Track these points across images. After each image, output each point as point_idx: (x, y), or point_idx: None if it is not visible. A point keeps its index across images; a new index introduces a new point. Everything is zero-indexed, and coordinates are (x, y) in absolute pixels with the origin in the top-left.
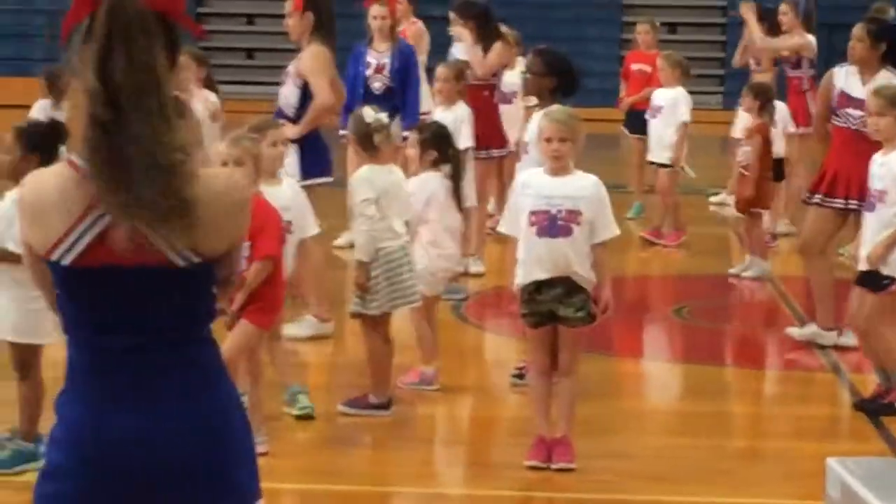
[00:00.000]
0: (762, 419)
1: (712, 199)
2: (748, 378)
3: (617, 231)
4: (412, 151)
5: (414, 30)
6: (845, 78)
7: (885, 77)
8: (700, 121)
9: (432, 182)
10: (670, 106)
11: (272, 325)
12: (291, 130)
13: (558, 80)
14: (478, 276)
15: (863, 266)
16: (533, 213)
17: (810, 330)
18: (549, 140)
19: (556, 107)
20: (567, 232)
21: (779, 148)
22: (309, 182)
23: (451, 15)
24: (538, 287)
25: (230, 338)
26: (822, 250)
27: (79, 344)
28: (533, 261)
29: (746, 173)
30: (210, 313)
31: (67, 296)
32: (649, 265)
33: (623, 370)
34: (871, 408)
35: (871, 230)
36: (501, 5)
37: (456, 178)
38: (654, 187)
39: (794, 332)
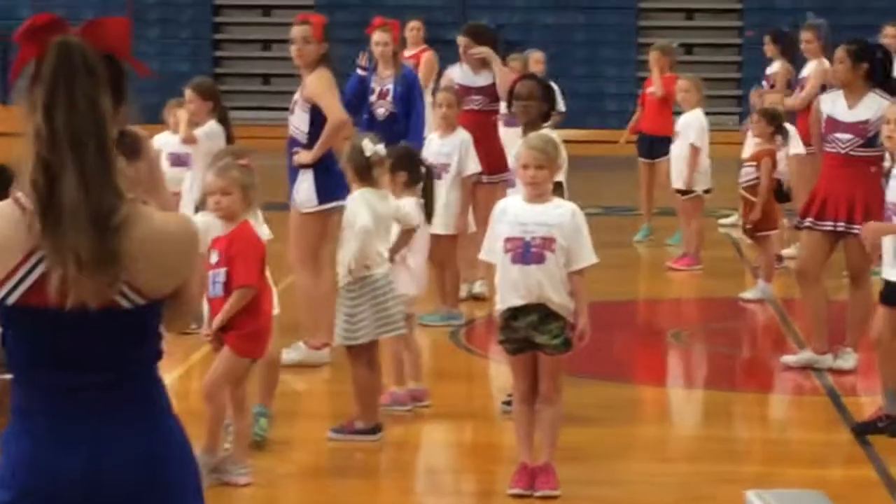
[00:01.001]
0: (753, 443)
1: (722, 220)
2: (740, 402)
3: (594, 259)
4: (386, 178)
5: (428, 56)
6: (832, 103)
7: (873, 100)
8: (717, 142)
9: (417, 209)
10: (684, 129)
11: (259, 355)
12: (307, 156)
13: (550, 105)
14: (481, 298)
15: (887, 275)
16: (508, 239)
17: (806, 356)
18: (525, 167)
19: (534, 133)
20: (540, 259)
21: (783, 170)
22: (326, 206)
23: (463, 39)
24: (514, 314)
25: (213, 366)
26: (817, 275)
27: (24, 381)
28: (508, 287)
29: (751, 197)
30: (155, 353)
31: (12, 334)
32: (654, 288)
33: (613, 395)
34: (862, 430)
35: (887, 241)
36: (517, 28)
37: (428, 196)
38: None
39: (790, 359)
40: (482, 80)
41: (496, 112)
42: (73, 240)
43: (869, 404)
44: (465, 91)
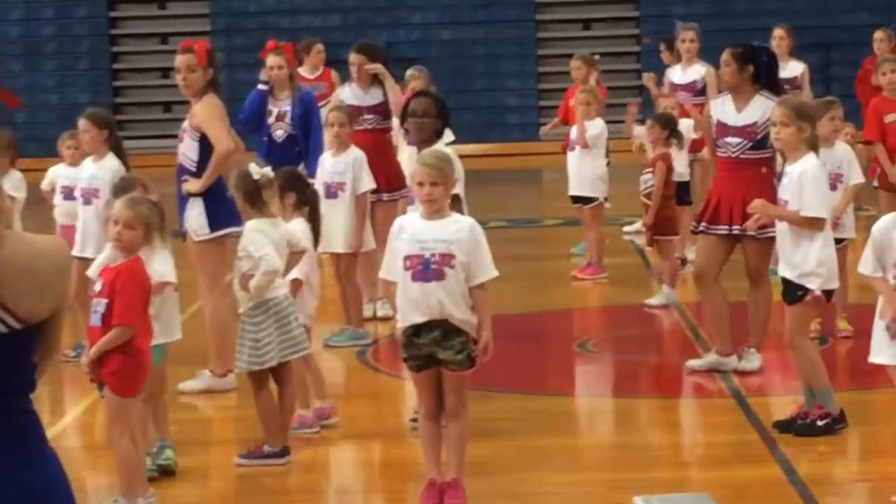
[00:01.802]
0: (660, 448)
1: (627, 228)
2: (648, 408)
3: (494, 273)
4: (275, 201)
5: (334, 75)
6: (721, 107)
7: (760, 102)
8: (617, 150)
9: (305, 229)
10: (593, 139)
11: (134, 393)
12: (195, 185)
13: (444, 122)
14: (386, 319)
15: (783, 273)
16: (407, 257)
17: (710, 359)
18: (420, 184)
19: (427, 150)
20: (440, 276)
21: (681, 172)
22: (218, 233)
23: (357, 57)
24: (417, 331)
25: (110, 431)
26: (716, 278)
27: None
28: (409, 305)
29: (649, 202)
30: (29, 384)
31: None
32: (560, 299)
33: (521, 407)
34: (793, 429)
35: (779, 239)
36: (415, 44)
37: (314, 219)
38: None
39: (695, 363)
40: (372, 98)
41: (389, 129)
42: None
43: (775, 404)
44: (356, 111)
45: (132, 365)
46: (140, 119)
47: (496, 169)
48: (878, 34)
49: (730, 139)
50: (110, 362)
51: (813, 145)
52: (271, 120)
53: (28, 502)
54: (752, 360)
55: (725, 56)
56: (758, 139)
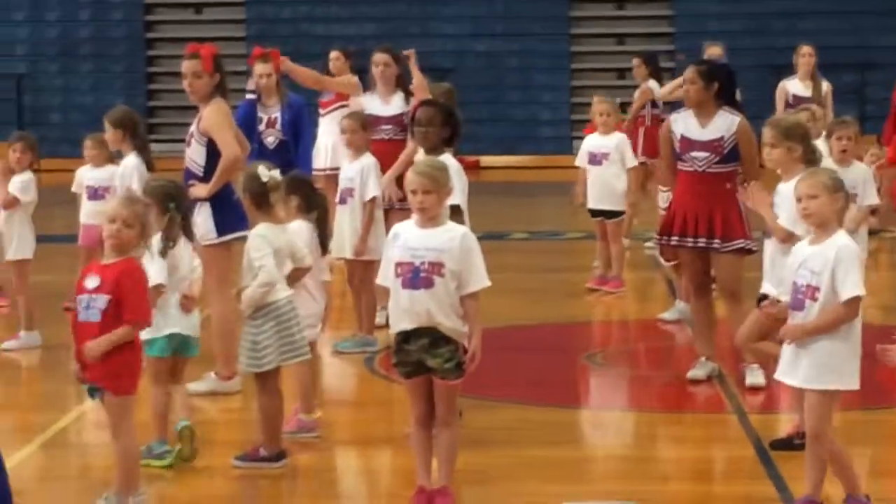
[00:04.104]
0: (657, 462)
1: (648, 243)
2: (647, 421)
3: (487, 282)
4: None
5: (346, 79)
6: (684, 122)
7: (724, 118)
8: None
9: (305, 231)
10: (615, 152)
11: (133, 391)
12: (203, 190)
13: (452, 131)
14: None
15: (763, 289)
16: (398, 264)
17: (708, 367)
18: (414, 192)
19: (423, 159)
20: (428, 284)
21: None
22: (225, 238)
23: (382, 56)
24: (406, 337)
25: (117, 430)
26: (708, 286)
27: None
28: (399, 311)
29: None
30: None
31: None
32: (577, 311)
33: (520, 417)
34: (780, 446)
35: (769, 256)
36: (449, 55)
37: (322, 224)
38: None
39: (695, 374)
40: (391, 108)
41: (406, 140)
42: None
43: (775, 420)
44: (374, 120)
45: (135, 361)
46: (174, 122)
47: (528, 181)
48: None
49: (696, 153)
50: (110, 363)
51: (810, 163)
52: (262, 127)
53: None
54: (757, 376)
55: (690, 74)
56: (725, 153)
